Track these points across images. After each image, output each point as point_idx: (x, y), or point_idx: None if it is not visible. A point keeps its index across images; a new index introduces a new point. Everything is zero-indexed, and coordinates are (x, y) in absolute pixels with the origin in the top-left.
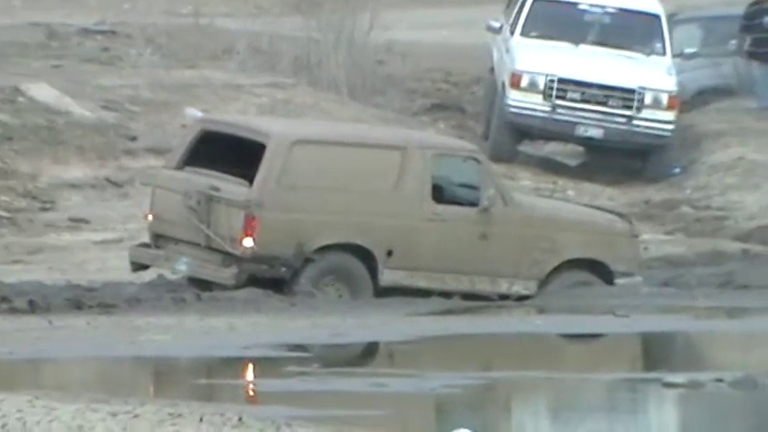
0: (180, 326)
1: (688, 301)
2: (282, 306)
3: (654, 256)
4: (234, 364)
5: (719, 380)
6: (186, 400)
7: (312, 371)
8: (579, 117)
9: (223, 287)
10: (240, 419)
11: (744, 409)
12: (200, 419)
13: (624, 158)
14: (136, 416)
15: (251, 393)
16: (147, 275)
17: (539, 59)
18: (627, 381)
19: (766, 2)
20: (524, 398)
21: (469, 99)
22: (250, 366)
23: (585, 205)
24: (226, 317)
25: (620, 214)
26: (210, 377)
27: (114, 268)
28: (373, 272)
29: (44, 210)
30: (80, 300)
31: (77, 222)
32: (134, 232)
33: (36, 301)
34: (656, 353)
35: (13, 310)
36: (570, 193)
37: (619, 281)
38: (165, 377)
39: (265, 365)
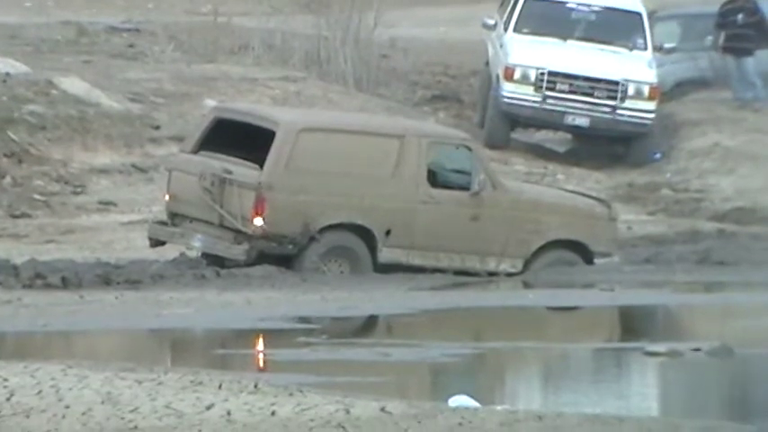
0: (201, 300)
1: (668, 277)
2: (295, 281)
3: (637, 235)
4: (250, 336)
5: (697, 349)
6: (206, 368)
7: (321, 341)
8: (567, 107)
9: (235, 263)
10: (256, 386)
11: (720, 376)
12: (219, 386)
13: (609, 145)
14: (160, 383)
15: (265, 362)
16: (170, 253)
17: (530, 54)
18: (611, 350)
19: (739, 0)
20: (517, 366)
21: (467, 90)
22: (264, 337)
23: (567, 190)
24: (243, 292)
25: (599, 199)
26: (228, 347)
27: (140, 247)
28: (373, 250)
29: (75, 193)
30: (109, 276)
31: (106, 205)
32: (158, 214)
33: (68, 278)
34: (639, 324)
35: (48, 286)
36: (560, 177)
37: (597, 260)
38: (187, 347)
39: (279, 337)
